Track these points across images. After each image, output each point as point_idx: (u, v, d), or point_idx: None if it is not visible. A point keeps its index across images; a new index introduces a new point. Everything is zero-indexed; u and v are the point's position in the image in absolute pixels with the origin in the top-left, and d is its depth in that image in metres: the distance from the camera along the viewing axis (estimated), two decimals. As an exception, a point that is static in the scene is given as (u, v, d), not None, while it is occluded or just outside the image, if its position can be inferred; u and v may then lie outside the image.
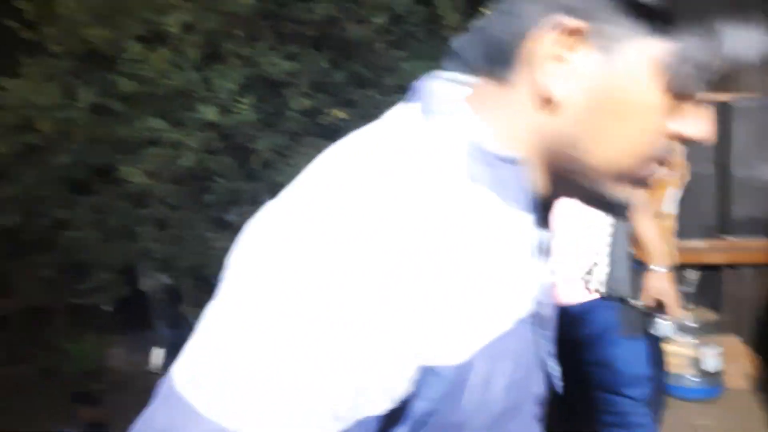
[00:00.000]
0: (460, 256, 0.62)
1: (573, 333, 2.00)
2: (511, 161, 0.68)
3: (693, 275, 3.24)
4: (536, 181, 0.71)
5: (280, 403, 0.57)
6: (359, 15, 5.83)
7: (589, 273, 1.93)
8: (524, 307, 0.69)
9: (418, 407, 0.63)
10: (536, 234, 0.73)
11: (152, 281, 4.47)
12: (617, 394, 2.01)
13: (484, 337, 0.64)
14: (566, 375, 1.92)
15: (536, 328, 0.72)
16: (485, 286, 0.64)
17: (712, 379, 3.05)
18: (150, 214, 3.61)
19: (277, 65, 3.48)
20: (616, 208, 0.73)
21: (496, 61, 0.68)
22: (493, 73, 0.69)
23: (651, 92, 0.64)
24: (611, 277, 1.95)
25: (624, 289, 1.96)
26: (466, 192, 0.65)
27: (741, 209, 3.26)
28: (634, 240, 2.12)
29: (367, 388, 0.58)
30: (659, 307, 2.08)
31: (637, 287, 2.01)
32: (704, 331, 3.02)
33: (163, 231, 3.64)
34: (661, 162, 0.70)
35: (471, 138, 0.67)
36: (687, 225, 3.38)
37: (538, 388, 0.75)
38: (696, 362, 3.00)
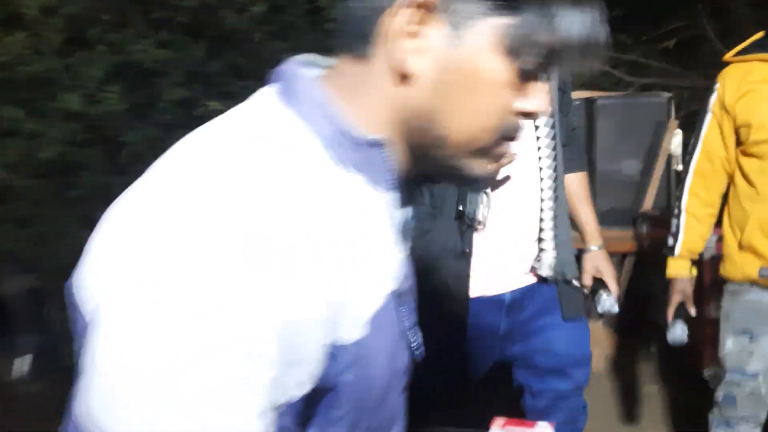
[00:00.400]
0: (329, 237, 0.63)
1: (513, 318, 1.91)
2: (376, 143, 0.69)
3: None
4: (399, 159, 0.73)
5: (205, 410, 0.55)
6: (238, 3, 5.70)
7: (538, 259, 1.88)
8: (390, 282, 0.72)
9: (324, 387, 0.65)
10: (399, 212, 0.75)
11: (14, 284, 4.18)
12: (561, 376, 1.95)
13: (369, 311, 0.67)
14: (496, 362, 1.95)
15: (398, 301, 0.75)
16: (360, 263, 0.66)
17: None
18: (10, 211, 3.37)
19: (148, 53, 3.32)
20: (473, 184, 0.76)
21: (356, 37, 0.69)
22: (354, 51, 0.70)
23: (498, 68, 0.67)
24: (558, 260, 1.89)
25: (571, 271, 1.93)
26: (327, 175, 0.66)
27: (606, 201, 3.45)
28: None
29: (284, 375, 0.59)
30: (600, 284, 2.06)
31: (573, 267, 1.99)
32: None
33: (24, 229, 3.41)
34: (511, 138, 0.73)
35: (332, 120, 0.68)
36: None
37: (403, 361, 0.78)
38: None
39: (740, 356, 2.05)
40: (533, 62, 0.68)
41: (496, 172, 0.76)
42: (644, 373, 3.38)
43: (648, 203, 3.58)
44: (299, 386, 0.61)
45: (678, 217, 2.14)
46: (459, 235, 1.78)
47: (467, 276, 1.80)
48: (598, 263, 2.08)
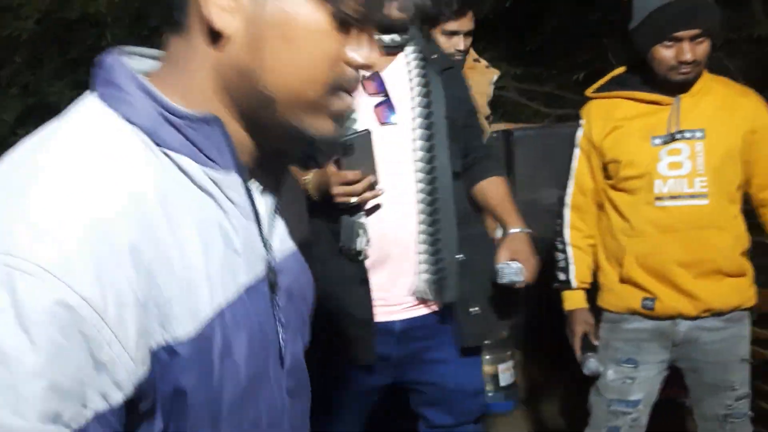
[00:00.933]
0: (154, 229, 0.61)
1: (404, 348, 1.83)
2: (204, 120, 0.67)
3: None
4: (238, 133, 0.71)
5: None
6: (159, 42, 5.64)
7: (422, 287, 1.78)
8: (251, 275, 0.70)
9: (164, 392, 0.62)
10: (250, 193, 0.72)
11: None
12: (451, 410, 1.88)
13: (210, 308, 0.64)
14: (391, 395, 1.89)
15: (264, 297, 0.73)
16: (192, 256, 0.64)
17: (507, 392, 3.26)
18: None
19: (63, 94, 3.25)
20: (320, 145, 0.74)
21: (171, 11, 0.69)
22: (173, 26, 0.69)
23: (313, 14, 0.66)
24: (442, 286, 1.78)
25: (452, 296, 1.81)
26: (140, 163, 0.64)
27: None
28: (485, 210, 2.07)
29: (85, 384, 0.57)
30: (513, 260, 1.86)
31: (472, 294, 1.87)
32: (499, 346, 3.23)
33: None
34: (347, 90, 0.72)
35: (152, 103, 0.66)
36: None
37: (272, 360, 0.75)
38: (493, 378, 3.20)
39: (623, 386, 2.08)
40: (349, 7, 0.67)
41: (340, 128, 0.73)
42: (566, 402, 3.44)
43: (567, 230, 3.69)
44: (106, 396, 0.58)
45: (564, 251, 2.15)
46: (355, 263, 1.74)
47: (370, 302, 1.75)
48: (516, 245, 1.90)
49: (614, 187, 2.04)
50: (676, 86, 1.96)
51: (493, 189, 2.02)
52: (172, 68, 0.70)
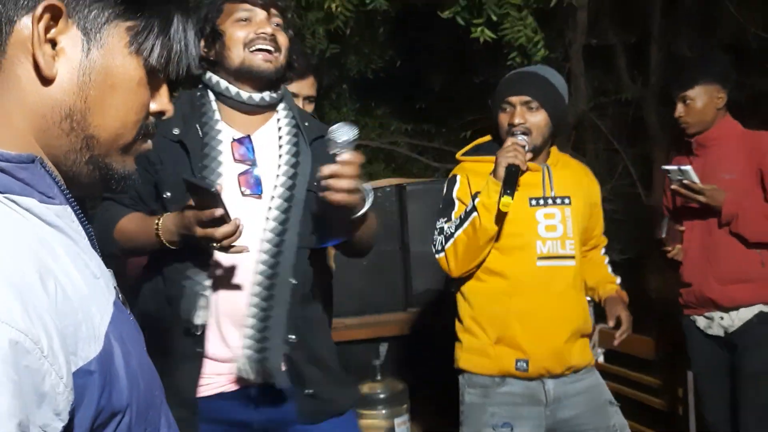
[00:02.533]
0: (44, 261, 0.66)
1: (261, 416, 1.66)
2: (29, 159, 0.71)
3: (383, 347, 3.46)
4: (61, 171, 0.76)
5: None
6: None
7: (241, 366, 1.61)
8: (111, 291, 0.77)
9: (87, 415, 0.66)
10: (81, 222, 0.78)
11: None
12: None
13: (103, 326, 0.70)
14: None
15: (123, 308, 0.80)
16: (78, 282, 0.69)
17: (403, 446, 3.25)
18: None
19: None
20: (120, 183, 0.81)
21: None
22: None
23: (130, 67, 0.76)
24: (265, 367, 1.61)
25: (277, 378, 1.61)
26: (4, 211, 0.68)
27: (420, 282, 3.59)
28: None
29: (32, 417, 0.59)
30: None
31: (307, 376, 1.68)
32: (395, 399, 3.22)
33: None
34: (149, 135, 0.81)
35: None
36: (378, 300, 3.64)
37: (148, 360, 0.82)
38: None
39: None
40: (157, 61, 0.78)
41: (134, 169, 0.82)
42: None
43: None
44: (47, 427, 0.61)
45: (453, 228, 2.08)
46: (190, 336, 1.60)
47: (197, 378, 1.61)
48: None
49: (494, 248, 2.06)
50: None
51: None
52: None
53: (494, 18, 3.23)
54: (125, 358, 0.72)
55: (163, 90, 0.82)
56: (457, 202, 2.08)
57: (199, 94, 1.68)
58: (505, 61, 3.44)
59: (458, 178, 2.10)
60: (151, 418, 0.77)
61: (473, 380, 2.09)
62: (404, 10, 3.96)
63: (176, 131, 1.60)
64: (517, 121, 1.98)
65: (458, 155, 2.19)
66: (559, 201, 2.08)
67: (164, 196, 1.59)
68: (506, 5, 3.23)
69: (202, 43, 1.63)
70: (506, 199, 1.89)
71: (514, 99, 2.00)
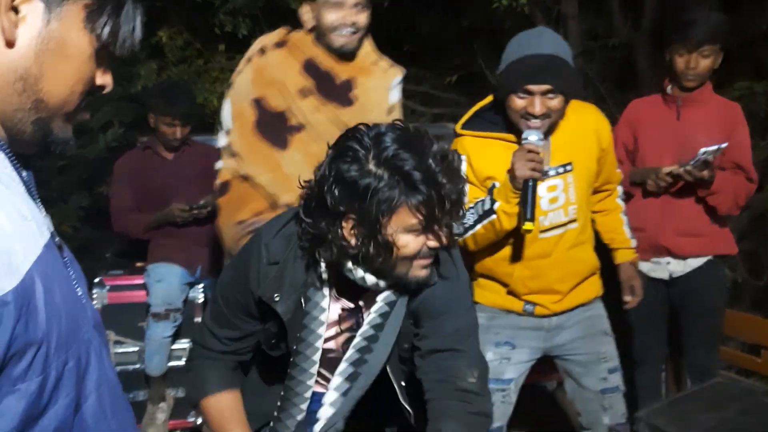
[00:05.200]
0: None
1: None
2: None
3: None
4: (5, 125, 0.83)
5: None
6: None
7: None
8: (43, 234, 0.83)
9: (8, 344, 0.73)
10: (25, 173, 0.86)
11: None
12: None
13: (26, 259, 0.77)
14: None
15: (59, 253, 0.87)
16: (3, 223, 0.75)
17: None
18: None
19: None
20: (59, 146, 0.88)
21: None
22: None
23: (83, 41, 0.84)
24: None
25: None
26: None
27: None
28: None
29: None
30: None
31: None
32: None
33: None
34: (88, 106, 0.89)
35: None
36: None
37: (88, 313, 0.90)
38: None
39: (499, 366, 2.23)
40: (107, 39, 0.86)
41: (71, 136, 0.89)
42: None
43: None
44: None
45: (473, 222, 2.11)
46: None
47: None
48: None
49: None
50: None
51: None
52: None
53: (480, -40, 3.17)
54: (47, 295, 0.78)
55: (107, 66, 0.90)
56: (467, 186, 2.06)
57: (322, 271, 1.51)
58: (491, 4, 3.39)
59: (463, 158, 2.06)
60: (74, 352, 0.83)
61: (483, 308, 2.22)
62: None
63: (281, 309, 1.51)
64: (538, 111, 1.96)
65: (457, 127, 2.14)
66: (561, 170, 2.10)
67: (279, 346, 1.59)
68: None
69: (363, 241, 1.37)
70: (528, 225, 1.94)
71: (534, 88, 1.95)
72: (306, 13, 2.20)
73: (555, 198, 2.11)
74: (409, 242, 1.37)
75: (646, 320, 2.73)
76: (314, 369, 1.55)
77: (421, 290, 1.52)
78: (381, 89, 2.27)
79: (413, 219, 1.34)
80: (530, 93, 1.96)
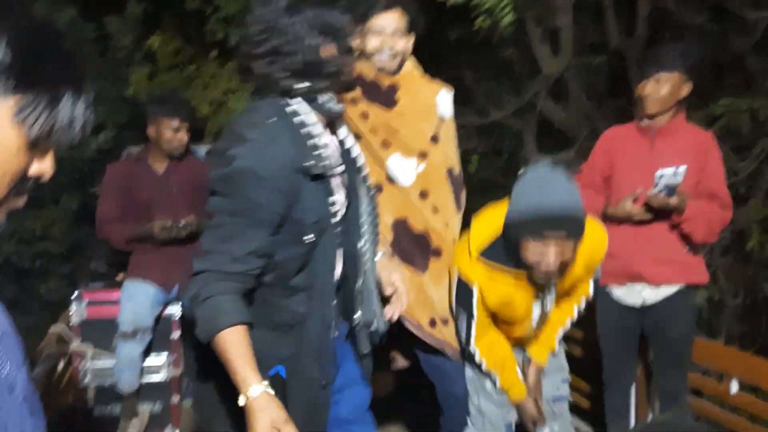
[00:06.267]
0: None
1: None
2: None
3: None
4: None
5: None
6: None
7: None
8: None
9: None
10: None
11: None
12: None
13: None
14: None
15: None
16: None
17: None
18: None
19: None
20: None
21: None
22: None
23: (11, 136, 0.85)
24: None
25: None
26: None
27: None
28: None
29: None
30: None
31: None
32: None
33: None
34: (22, 192, 0.90)
35: None
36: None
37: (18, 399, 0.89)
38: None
39: (507, 414, 2.35)
40: (38, 133, 0.86)
41: (4, 220, 0.91)
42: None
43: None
44: None
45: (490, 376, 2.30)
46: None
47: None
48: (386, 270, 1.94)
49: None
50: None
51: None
52: None
53: (464, -20, 3.19)
54: None
55: (49, 155, 0.90)
56: (476, 315, 2.17)
57: (293, 110, 1.66)
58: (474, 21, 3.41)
59: (474, 290, 2.13)
60: None
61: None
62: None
63: (308, 163, 1.60)
64: (550, 269, 1.99)
65: (473, 250, 2.13)
66: (554, 293, 2.24)
67: (305, 239, 1.62)
68: (476, -34, 3.18)
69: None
70: None
71: (549, 234, 1.96)
72: (353, 41, 2.33)
73: (542, 318, 2.25)
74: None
75: (617, 345, 2.76)
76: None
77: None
78: (426, 94, 2.36)
79: None
80: (545, 238, 1.97)
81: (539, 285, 2.12)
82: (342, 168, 1.75)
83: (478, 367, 2.27)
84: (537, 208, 1.96)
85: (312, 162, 1.59)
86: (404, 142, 2.25)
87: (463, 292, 2.16)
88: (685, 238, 2.58)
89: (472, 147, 5.20)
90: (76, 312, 3.05)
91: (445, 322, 2.26)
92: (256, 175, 1.54)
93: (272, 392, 1.49)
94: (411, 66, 2.38)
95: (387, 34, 2.27)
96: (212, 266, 1.55)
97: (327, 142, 1.67)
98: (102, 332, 3.05)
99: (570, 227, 1.97)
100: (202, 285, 1.55)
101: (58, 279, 5.11)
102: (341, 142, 1.79)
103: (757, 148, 4.06)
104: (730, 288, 3.97)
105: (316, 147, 1.62)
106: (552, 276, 2.02)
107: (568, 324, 2.35)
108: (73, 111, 0.88)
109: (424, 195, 2.26)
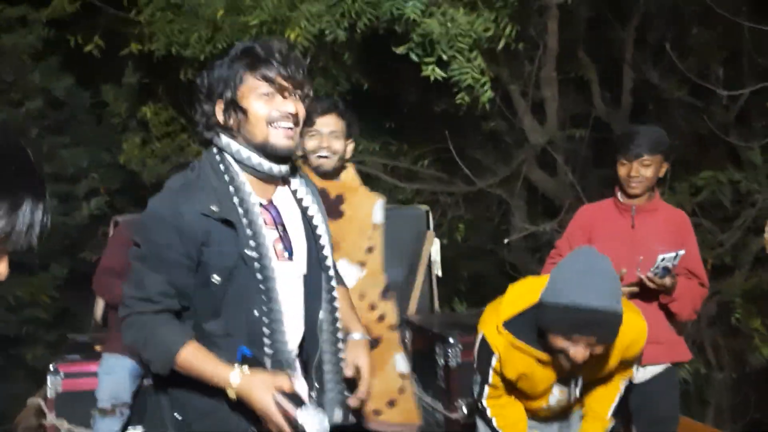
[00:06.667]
0: None
1: None
2: None
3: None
4: None
5: None
6: (10, 98, 5.43)
7: None
8: None
9: None
10: None
11: None
12: None
13: None
14: None
15: None
16: None
17: None
18: None
19: None
20: None
21: None
22: None
23: None
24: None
25: None
26: None
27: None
28: None
29: None
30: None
31: None
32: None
33: None
34: None
35: None
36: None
37: None
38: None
39: None
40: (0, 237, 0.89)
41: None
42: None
43: (412, 308, 3.85)
44: None
45: None
46: None
47: None
48: (356, 352, 1.86)
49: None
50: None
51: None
52: None
53: (445, 57, 3.29)
54: None
55: (4, 258, 0.94)
56: (491, 381, 2.19)
57: (218, 159, 1.67)
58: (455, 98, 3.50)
59: (494, 358, 2.14)
60: None
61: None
62: (365, 41, 4.01)
63: (215, 208, 1.59)
64: (576, 362, 1.95)
65: (499, 323, 2.12)
66: (580, 381, 2.20)
67: (212, 280, 1.61)
68: (457, 45, 3.29)
69: (220, 107, 1.64)
70: None
71: (578, 338, 1.92)
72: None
73: (563, 400, 2.23)
74: (258, 108, 1.62)
75: None
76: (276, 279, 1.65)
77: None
78: (366, 206, 2.54)
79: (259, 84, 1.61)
80: (574, 341, 1.93)
81: (562, 369, 2.06)
82: (276, 220, 1.72)
83: (488, 423, 2.25)
84: (569, 306, 1.89)
85: (216, 208, 1.59)
86: (347, 251, 2.40)
87: (483, 354, 2.16)
88: (670, 317, 2.61)
89: (459, 214, 5.26)
90: (52, 385, 3.01)
91: (391, 404, 2.35)
92: (160, 218, 1.59)
93: (248, 371, 1.54)
94: (352, 174, 2.60)
95: (324, 135, 2.45)
96: (131, 311, 1.62)
97: (249, 191, 1.65)
98: (80, 405, 3.00)
99: (601, 333, 1.91)
100: (133, 330, 1.61)
101: (44, 346, 5.07)
102: (299, 201, 1.77)
103: (739, 220, 4.11)
104: (717, 360, 3.96)
105: (232, 193, 1.63)
106: (577, 367, 1.98)
107: (617, 399, 2.30)
108: (32, 217, 0.91)
109: (362, 297, 2.44)
